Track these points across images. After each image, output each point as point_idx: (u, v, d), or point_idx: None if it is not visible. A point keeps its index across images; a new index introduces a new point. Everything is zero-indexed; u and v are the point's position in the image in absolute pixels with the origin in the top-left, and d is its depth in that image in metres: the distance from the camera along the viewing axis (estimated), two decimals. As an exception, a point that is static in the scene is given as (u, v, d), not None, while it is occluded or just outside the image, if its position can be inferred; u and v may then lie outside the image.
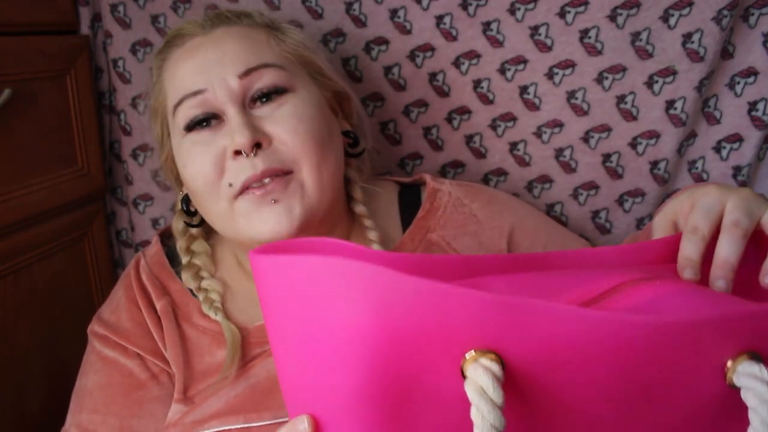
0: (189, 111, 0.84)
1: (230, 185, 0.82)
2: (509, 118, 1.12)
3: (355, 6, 1.11)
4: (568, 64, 1.07)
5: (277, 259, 0.52)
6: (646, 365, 0.51)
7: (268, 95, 0.84)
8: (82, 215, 1.23)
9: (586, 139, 1.10)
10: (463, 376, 0.49)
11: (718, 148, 1.09)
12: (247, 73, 0.84)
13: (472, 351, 0.50)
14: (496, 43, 1.08)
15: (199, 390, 0.87)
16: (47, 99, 1.13)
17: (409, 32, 1.11)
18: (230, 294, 0.94)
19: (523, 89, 1.10)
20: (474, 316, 0.49)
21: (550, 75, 1.08)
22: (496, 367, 0.49)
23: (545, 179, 1.14)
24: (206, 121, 0.84)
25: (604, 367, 0.50)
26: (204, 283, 0.93)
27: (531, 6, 1.05)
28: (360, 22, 1.12)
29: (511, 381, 0.50)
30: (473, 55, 1.10)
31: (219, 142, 0.83)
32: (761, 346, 0.52)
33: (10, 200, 1.06)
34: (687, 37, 1.01)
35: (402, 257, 0.58)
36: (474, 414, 0.48)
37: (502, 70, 1.10)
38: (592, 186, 1.12)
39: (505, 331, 0.49)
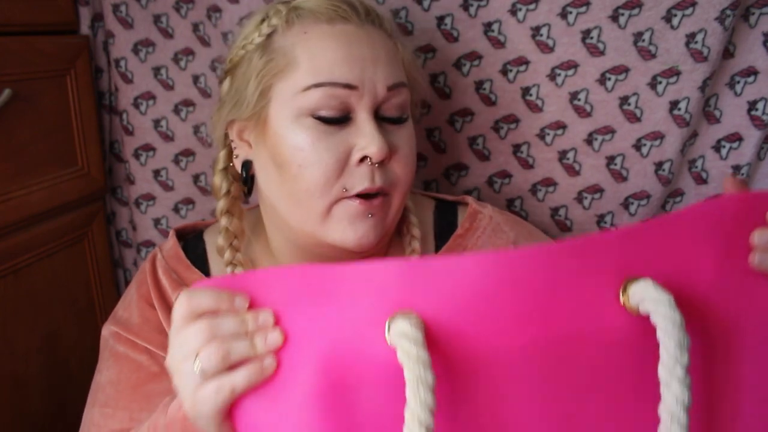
0: (325, 99, 0.80)
1: (344, 189, 0.81)
2: (512, 119, 1.11)
3: (357, 6, 1.11)
4: (571, 65, 1.05)
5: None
6: (548, 303, 0.56)
7: (395, 114, 0.84)
8: (82, 215, 1.23)
9: (589, 141, 1.08)
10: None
11: (717, 147, 1.07)
12: (393, 87, 0.82)
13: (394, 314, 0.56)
14: (498, 44, 1.07)
15: None
16: (47, 99, 1.13)
17: (410, 33, 1.10)
18: None
19: (526, 90, 1.09)
20: (386, 286, 0.56)
21: (552, 76, 1.06)
22: (413, 317, 0.55)
23: (549, 182, 1.12)
24: (339, 120, 0.82)
25: (512, 313, 0.56)
26: (239, 257, 0.93)
27: (532, 6, 1.04)
28: (361, 23, 1.11)
29: (433, 342, 0.55)
30: (475, 56, 1.09)
31: (346, 140, 0.81)
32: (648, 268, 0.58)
33: (10, 200, 1.06)
34: (690, 37, 0.99)
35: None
36: (401, 356, 0.53)
37: (504, 72, 1.08)
38: (596, 189, 1.11)
39: (417, 292, 0.56)
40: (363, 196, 0.81)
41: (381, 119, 0.83)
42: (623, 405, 0.59)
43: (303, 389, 0.57)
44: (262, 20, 0.86)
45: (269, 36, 0.85)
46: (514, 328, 0.57)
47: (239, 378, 0.58)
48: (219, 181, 0.93)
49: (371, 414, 0.57)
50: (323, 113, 0.80)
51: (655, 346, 0.54)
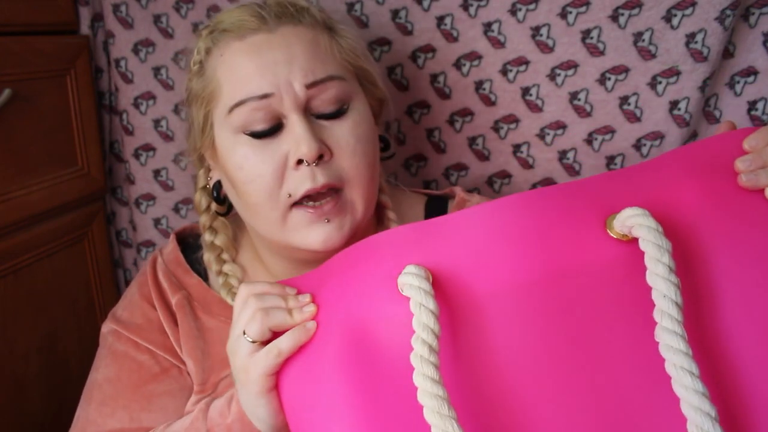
0: (252, 114, 0.80)
1: (289, 195, 0.80)
2: (512, 120, 1.11)
3: (357, 7, 1.11)
4: (571, 65, 1.05)
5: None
6: (537, 244, 0.61)
7: (330, 109, 0.82)
8: (82, 215, 1.23)
9: (589, 141, 1.08)
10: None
11: (717, 148, 1.06)
12: (314, 84, 0.80)
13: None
14: (498, 44, 1.07)
15: (221, 378, 0.88)
16: (47, 99, 1.13)
17: (410, 33, 1.10)
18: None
19: (525, 90, 1.09)
20: (394, 248, 0.63)
21: (552, 76, 1.06)
22: (422, 269, 0.60)
23: (549, 182, 1.12)
24: (272, 129, 0.81)
25: (506, 257, 0.61)
26: (225, 267, 0.94)
27: (532, 6, 1.04)
28: (362, 23, 1.11)
29: (441, 295, 0.60)
30: (474, 56, 1.09)
31: (280, 148, 0.80)
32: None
33: (10, 200, 1.06)
34: (690, 37, 0.99)
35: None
36: (407, 290, 0.58)
37: (504, 72, 1.08)
38: (596, 189, 1.10)
39: (422, 250, 0.62)
40: (312, 198, 0.80)
41: (317, 116, 0.82)
42: (624, 331, 0.62)
43: (332, 351, 0.63)
44: (198, 48, 0.88)
45: (201, 63, 0.87)
46: (510, 270, 0.61)
47: (285, 340, 0.65)
48: (199, 197, 0.95)
49: (392, 363, 0.61)
50: (255, 128, 0.81)
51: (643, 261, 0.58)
